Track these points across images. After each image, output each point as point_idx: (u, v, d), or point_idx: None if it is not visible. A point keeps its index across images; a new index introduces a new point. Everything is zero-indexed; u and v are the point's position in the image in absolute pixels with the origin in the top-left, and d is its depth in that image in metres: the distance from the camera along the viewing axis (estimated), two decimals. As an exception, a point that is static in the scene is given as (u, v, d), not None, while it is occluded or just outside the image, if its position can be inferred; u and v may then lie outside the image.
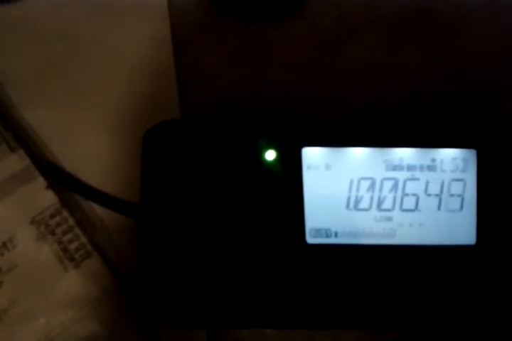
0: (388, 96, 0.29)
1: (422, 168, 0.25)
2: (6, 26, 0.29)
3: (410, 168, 0.25)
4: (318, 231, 0.25)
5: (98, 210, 0.29)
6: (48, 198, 0.28)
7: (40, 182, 0.28)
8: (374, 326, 0.26)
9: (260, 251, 0.25)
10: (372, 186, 0.25)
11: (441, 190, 0.25)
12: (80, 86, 0.29)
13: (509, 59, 0.29)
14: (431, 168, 0.25)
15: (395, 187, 0.25)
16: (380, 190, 0.25)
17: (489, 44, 0.29)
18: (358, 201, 0.25)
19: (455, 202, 0.25)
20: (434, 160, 0.25)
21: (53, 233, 0.28)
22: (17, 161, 0.28)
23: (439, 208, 0.25)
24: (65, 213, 0.28)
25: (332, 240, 0.25)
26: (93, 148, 0.29)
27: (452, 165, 0.25)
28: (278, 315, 0.25)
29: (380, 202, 0.25)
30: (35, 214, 0.28)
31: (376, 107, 0.29)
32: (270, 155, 0.25)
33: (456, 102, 0.29)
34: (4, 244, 0.27)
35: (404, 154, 0.25)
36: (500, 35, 0.29)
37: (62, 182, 0.29)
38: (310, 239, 0.25)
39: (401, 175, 0.25)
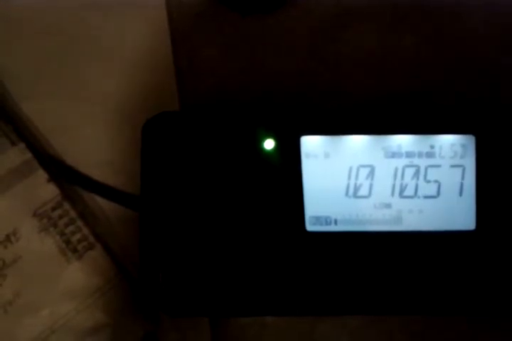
0: (387, 84, 0.29)
1: (420, 154, 0.25)
2: (2, 21, 0.29)
3: (409, 154, 0.25)
4: (317, 219, 0.25)
5: (100, 202, 0.29)
6: (49, 191, 0.28)
7: (42, 175, 0.28)
8: (375, 312, 0.26)
9: (261, 239, 0.25)
10: (371, 173, 0.25)
11: (440, 177, 0.25)
12: (78, 79, 0.29)
13: (509, 44, 0.29)
14: (429, 154, 0.25)
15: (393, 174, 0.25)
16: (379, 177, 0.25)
17: (489, 29, 0.29)
18: (357, 188, 0.25)
19: (454, 188, 0.25)
20: (432, 146, 0.25)
21: (55, 225, 0.28)
22: (18, 155, 0.28)
23: (438, 194, 0.25)
24: (67, 205, 0.28)
25: (332, 227, 0.25)
26: (93, 140, 0.29)
27: (451, 151, 0.25)
28: (279, 302, 0.25)
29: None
30: (37, 207, 0.28)
31: (375, 95, 0.29)
32: (269, 144, 0.26)
33: (456, 89, 0.29)
34: (7, 236, 0.27)
35: (403, 141, 0.25)
36: (500, 20, 0.29)
37: (64, 175, 0.29)
38: (310, 227, 0.25)
39: (400, 162, 0.25)
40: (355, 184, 0.25)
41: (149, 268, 0.26)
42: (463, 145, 0.25)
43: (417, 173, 0.25)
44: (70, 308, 0.27)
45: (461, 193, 0.25)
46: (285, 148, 0.25)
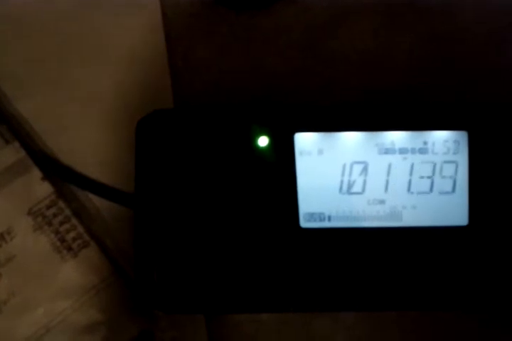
0: (382, 82, 0.29)
1: (413, 150, 0.25)
2: (0, 20, 0.29)
3: (402, 151, 0.25)
4: (311, 216, 0.25)
5: (94, 200, 0.29)
6: (43, 189, 0.28)
7: (36, 173, 0.28)
8: (369, 308, 0.26)
9: (255, 236, 0.25)
10: (364, 170, 0.25)
11: (434, 173, 0.25)
12: (73, 77, 0.29)
13: (504, 41, 0.29)
14: (423, 150, 0.25)
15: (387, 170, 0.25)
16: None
17: (483, 26, 0.29)
18: (350, 185, 0.25)
19: (447, 184, 0.25)
20: (425, 142, 0.25)
21: (50, 223, 0.28)
22: (12, 153, 0.28)
23: (431, 190, 0.25)
24: (61, 204, 0.28)
25: (326, 224, 0.25)
26: (87, 139, 0.29)
27: (444, 147, 0.25)
28: (275, 299, 0.25)
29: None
30: (32, 206, 0.28)
31: (370, 92, 0.29)
32: (263, 141, 0.26)
33: (451, 87, 0.29)
34: (2, 235, 0.27)
35: (396, 137, 0.25)
36: (494, 17, 0.29)
37: (58, 173, 0.29)
38: (304, 224, 0.25)
39: (393, 158, 0.25)
40: (349, 180, 0.25)
41: (144, 266, 0.26)
42: (456, 142, 0.25)
43: (410, 169, 0.25)
44: (65, 306, 0.27)
45: (453, 189, 0.25)
46: (279, 145, 0.25)
